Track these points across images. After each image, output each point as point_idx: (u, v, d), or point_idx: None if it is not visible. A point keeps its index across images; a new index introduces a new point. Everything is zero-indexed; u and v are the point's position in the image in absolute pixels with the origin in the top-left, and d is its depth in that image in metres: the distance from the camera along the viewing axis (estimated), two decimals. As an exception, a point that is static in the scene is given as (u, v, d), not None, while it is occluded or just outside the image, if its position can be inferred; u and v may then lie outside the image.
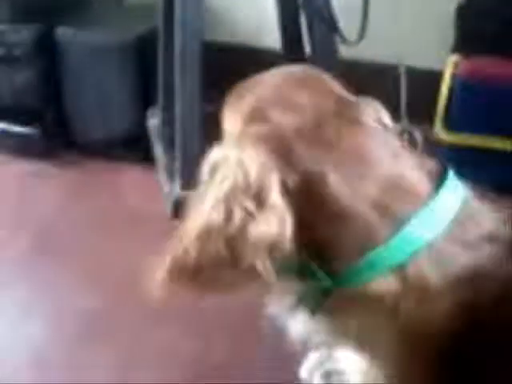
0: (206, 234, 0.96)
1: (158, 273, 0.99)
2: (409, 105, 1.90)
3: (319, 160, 0.95)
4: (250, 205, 0.93)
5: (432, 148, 1.77)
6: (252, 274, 0.95)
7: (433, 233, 0.96)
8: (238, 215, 0.94)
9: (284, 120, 0.97)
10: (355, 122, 0.99)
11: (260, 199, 0.94)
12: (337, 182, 0.95)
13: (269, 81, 1.05)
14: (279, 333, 1.16)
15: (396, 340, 1.01)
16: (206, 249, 0.96)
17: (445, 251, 0.97)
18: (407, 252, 0.96)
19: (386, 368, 1.05)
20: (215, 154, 0.99)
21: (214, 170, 0.98)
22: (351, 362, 1.13)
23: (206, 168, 1.00)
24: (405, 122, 1.84)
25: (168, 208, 1.60)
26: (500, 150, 1.70)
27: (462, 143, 1.72)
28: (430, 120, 1.73)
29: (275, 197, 0.94)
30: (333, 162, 0.96)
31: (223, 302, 1.14)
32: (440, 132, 1.72)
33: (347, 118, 0.99)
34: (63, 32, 1.98)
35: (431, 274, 0.96)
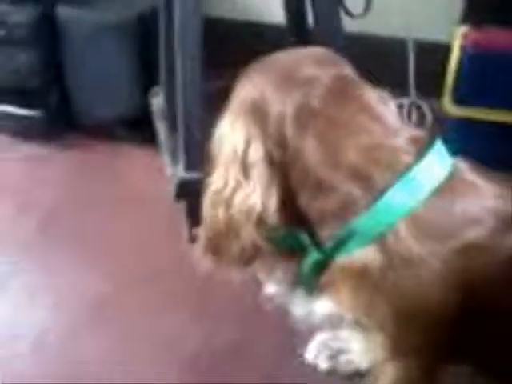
0: (213, 201, 1.05)
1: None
2: (417, 78, 1.88)
3: (303, 133, 1.00)
4: (239, 175, 1.01)
5: (441, 122, 1.77)
6: (255, 247, 1.03)
7: (413, 201, 0.97)
8: (231, 184, 1.03)
9: (279, 96, 1.01)
10: (351, 98, 1.02)
11: (247, 170, 1.01)
12: (317, 154, 0.99)
13: (277, 60, 1.08)
14: (285, 314, 1.16)
15: (391, 314, 1.00)
16: (214, 215, 1.05)
17: (428, 220, 0.96)
18: (386, 221, 0.97)
19: (387, 344, 1.04)
20: (219, 129, 1.06)
21: (217, 143, 1.07)
22: (354, 341, 1.14)
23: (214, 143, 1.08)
24: (413, 95, 1.82)
25: (172, 189, 1.58)
26: (510, 123, 1.67)
27: (472, 117, 1.69)
28: (439, 93, 1.70)
29: (260, 168, 1.00)
30: (316, 135, 0.99)
31: (230, 285, 1.13)
32: (449, 105, 1.69)
33: (344, 94, 1.02)
34: (64, 11, 1.95)
35: (412, 242, 0.96)
